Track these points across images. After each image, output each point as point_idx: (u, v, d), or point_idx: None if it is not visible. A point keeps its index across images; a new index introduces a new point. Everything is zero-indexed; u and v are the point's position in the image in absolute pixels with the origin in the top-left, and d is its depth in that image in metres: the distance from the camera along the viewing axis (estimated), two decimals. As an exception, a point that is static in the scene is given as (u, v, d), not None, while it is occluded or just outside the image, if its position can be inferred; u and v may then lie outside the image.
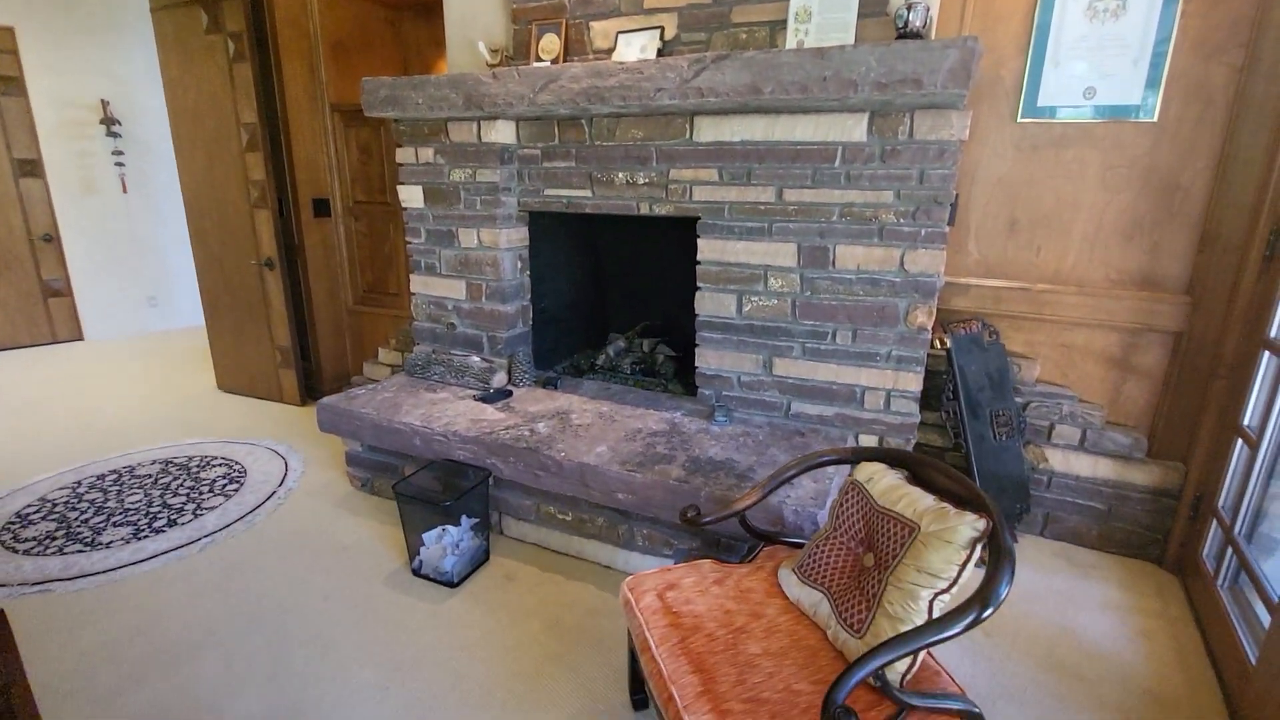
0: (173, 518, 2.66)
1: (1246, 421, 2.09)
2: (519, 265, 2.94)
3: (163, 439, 3.45)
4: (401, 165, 2.95)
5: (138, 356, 5.02)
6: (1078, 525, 2.56)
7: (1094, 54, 2.28)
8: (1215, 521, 2.17)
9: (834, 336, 2.39)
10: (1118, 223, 2.39)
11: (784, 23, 2.28)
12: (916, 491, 1.43)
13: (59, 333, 5.40)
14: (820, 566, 1.51)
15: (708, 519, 1.64)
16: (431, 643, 1.97)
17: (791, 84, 2.02)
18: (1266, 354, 2.03)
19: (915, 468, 1.53)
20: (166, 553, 2.43)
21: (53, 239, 5.21)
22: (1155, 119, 2.25)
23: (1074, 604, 2.21)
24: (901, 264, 2.23)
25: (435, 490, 2.44)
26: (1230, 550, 2.05)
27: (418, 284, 3.07)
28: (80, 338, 5.47)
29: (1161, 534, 2.43)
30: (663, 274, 3.13)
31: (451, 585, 2.21)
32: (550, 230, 3.04)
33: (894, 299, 2.27)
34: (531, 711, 1.73)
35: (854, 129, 2.17)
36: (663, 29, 2.48)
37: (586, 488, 2.18)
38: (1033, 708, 1.77)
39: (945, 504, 1.36)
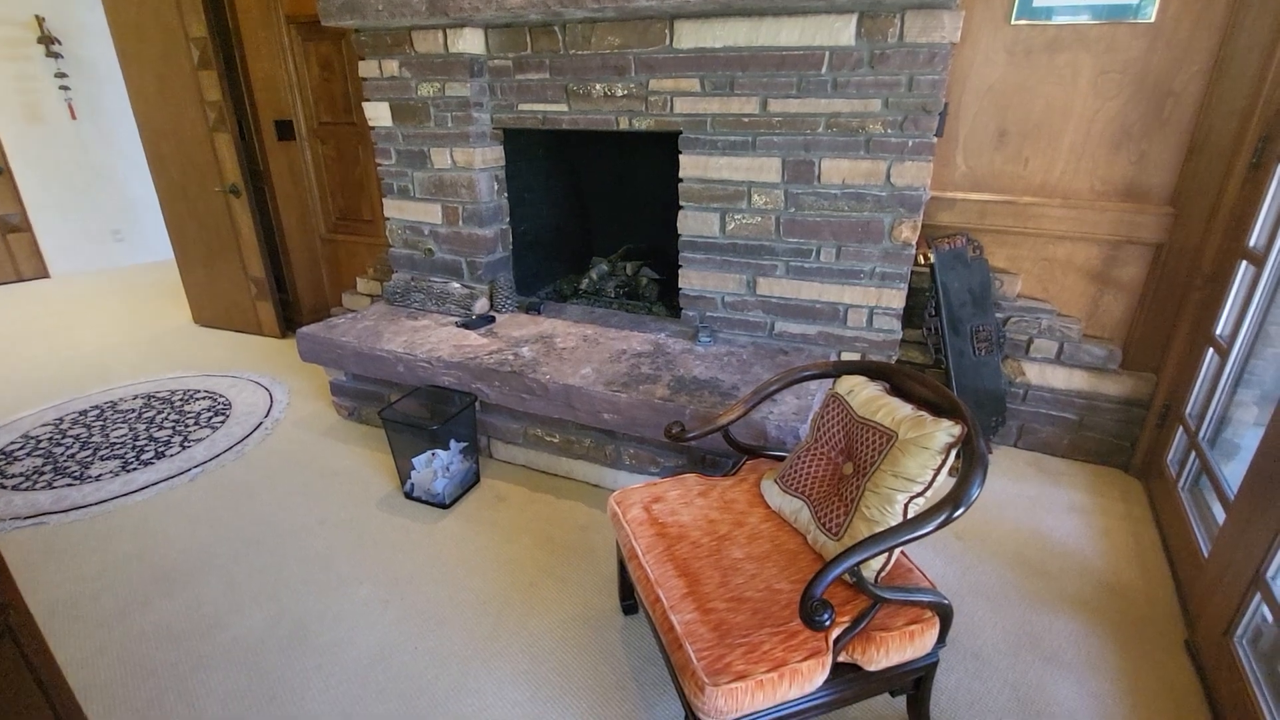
0: (160, 450, 2.67)
1: (1219, 331, 2.13)
2: (496, 187, 2.84)
3: (143, 374, 3.41)
4: (365, 80, 2.79)
5: (108, 292, 4.89)
6: (1050, 436, 2.64)
7: (1094, -53, 2.16)
8: (1181, 428, 2.25)
9: (818, 254, 2.36)
10: (1107, 131, 2.34)
11: (769, -87, 2.12)
12: (895, 401, 1.46)
13: (23, 270, 5.22)
14: (801, 476, 1.55)
15: (692, 434, 1.67)
16: (427, 560, 2.03)
17: (777, -19, 1.90)
18: (1244, 263, 2.05)
19: (895, 379, 1.55)
20: (157, 484, 2.45)
21: (4, 171, 4.95)
22: (1153, 19, 2.16)
23: (1042, 507, 2.32)
24: (888, 177, 2.18)
25: (422, 416, 2.45)
26: (1193, 454, 2.14)
27: (391, 208, 2.98)
28: (46, 275, 5.30)
29: (1129, 441, 2.53)
30: (646, 195, 3.05)
31: (444, 506, 2.26)
32: (528, 150, 2.92)
33: (879, 214, 2.24)
34: (526, 619, 1.81)
35: (841, 32, 2.06)
36: (639, -78, 2.30)
37: (572, 409, 2.20)
38: (999, 601, 1.88)
39: (923, 412, 1.38)
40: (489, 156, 2.76)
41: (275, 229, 3.78)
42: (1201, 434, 2.12)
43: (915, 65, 2.04)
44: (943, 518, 1.19)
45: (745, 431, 1.96)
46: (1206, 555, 1.82)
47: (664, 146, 2.58)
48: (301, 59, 3.52)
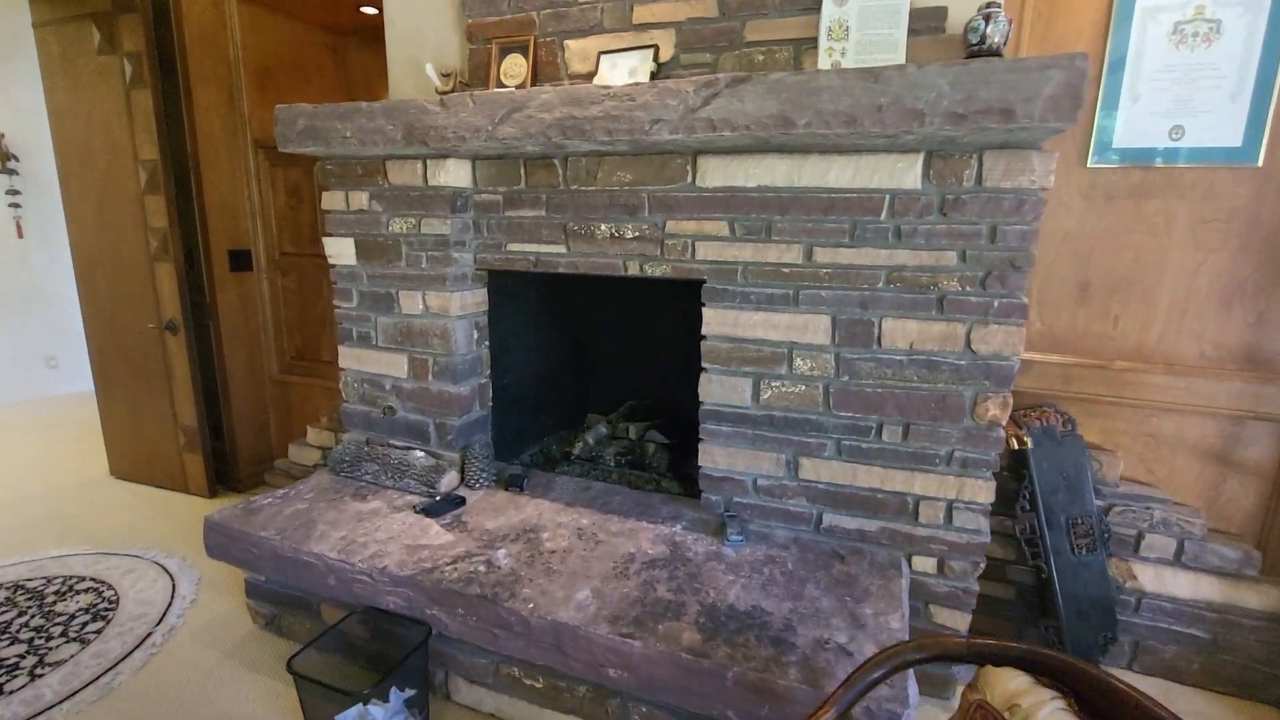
0: (-4, 684, 1.96)
1: None
2: (475, 335, 2.37)
3: (24, 549, 2.72)
4: (328, 213, 2.38)
5: (26, 429, 4.25)
6: (1175, 658, 2.05)
7: (1182, 86, 1.88)
8: (1375, 671, 1.69)
9: (879, 432, 1.87)
10: (1213, 287, 1.96)
11: (813, 41, 1.83)
12: (1107, 749, 0.89)
13: (-68, 400, 4.58)
14: None
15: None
16: None
17: (834, 115, 1.54)
18: None
19: (1089, 691, 0.99)
20: (-27, 745, 1.73)
21: (-71, 291, 4.45)
22: (1260, 164, 1.85)
23: (1205, 785, 1.68)
24: (968, 343, 1.74)
25: (363, 638, 1.82)
26: None
27: (348, 357, 2.48)
28: (-40, 405, 4.66)
29: (1285, 672, 1.94)
30: (655, 344, 2.61)
31: (371, 802, 1.57)
32: (516, 291, 2.49)
33: (957, 386, 1.78)
34: None
35: (905, 173, 1.70)
36: (657, 48, 2.00)
37: (564, 656, 1.58)
38: None
39: (1175, 789, 0.82)
40: (469, 301, 2.31)
41: (217, 368, 3.25)
42: None
43: (999, 213, 1.65)
44: None
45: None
46: None
47: (678, 291, 2.16)
48: (268, 185, 3.18)
